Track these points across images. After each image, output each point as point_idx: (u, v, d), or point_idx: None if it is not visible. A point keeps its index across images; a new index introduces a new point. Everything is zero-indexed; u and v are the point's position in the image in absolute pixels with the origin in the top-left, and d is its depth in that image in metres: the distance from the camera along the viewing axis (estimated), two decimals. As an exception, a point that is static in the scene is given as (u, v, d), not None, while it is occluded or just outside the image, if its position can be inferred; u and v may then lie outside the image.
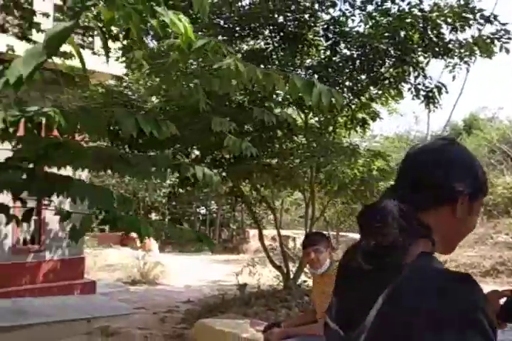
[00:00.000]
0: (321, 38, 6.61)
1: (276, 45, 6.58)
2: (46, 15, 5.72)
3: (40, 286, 8.69)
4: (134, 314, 7.78)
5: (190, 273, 12.33)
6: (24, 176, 2.52)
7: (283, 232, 10.20)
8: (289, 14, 6.19)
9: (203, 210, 24.92)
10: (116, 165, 2.72)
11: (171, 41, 2.14)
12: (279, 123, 5.31)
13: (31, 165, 2.61)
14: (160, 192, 20.26)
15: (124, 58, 6.01)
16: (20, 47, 6.10)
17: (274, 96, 6.77)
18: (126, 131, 2.34)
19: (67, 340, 6.18)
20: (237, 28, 6.26)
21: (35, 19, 5.98)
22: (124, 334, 6.38)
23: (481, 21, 6.18)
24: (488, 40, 6.16)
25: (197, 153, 7.89)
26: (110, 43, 6.41)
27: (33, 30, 6.00)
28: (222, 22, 6.29)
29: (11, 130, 2.16)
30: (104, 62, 5.99)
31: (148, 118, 2.35)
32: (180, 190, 10.30)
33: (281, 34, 6.45)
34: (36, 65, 1.71)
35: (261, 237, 8.25)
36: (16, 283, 8.48)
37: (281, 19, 6.33)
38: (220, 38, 5.91)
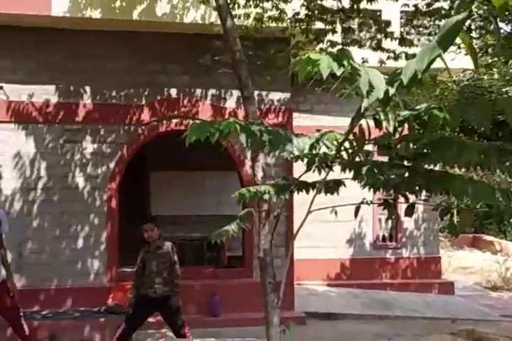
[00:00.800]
0: None
1: None
2: (411, 24, 5.93)
3: (399, 282, 9.11)
4: (501, 321, 7.21)
5: None
6: (406, 174, 2.67)
7: None
8: None
9: None
10: (497, 157, 2.54)
11: None
12: None
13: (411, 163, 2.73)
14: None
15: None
16: (374, 58, 6.61)
17: None
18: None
19: (433, 337, 6.22)
20: None
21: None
22: (492, 341, 5.98)
23: None
24: None
25: None
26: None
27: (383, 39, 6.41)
28: None
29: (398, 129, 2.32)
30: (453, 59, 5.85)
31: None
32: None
33: None
34: (429, 61, 1.77)
35: None
36: (378, 276, 9.15)
37: None
38: None
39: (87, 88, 6.58)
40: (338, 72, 1.76)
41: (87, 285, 6.43)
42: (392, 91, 1.98)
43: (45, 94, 6.49)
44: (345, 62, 1.78)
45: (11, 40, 6.41)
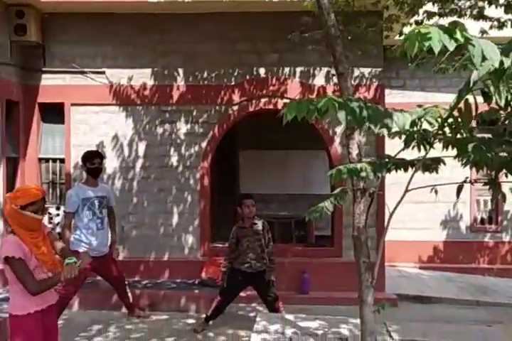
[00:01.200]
0: None
1: None
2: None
3: (498, 267, 8.61)
4: None
5: None
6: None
7: None
8: None
9: None
10: None
11: None
12: None
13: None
14: None
15: None
16: (475, 28, 6.13)
17: None
18: None
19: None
20: None
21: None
22: None
23: None
24: None
25: None
26: None
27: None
28: None
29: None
30: None
31: None
32: None
33: None
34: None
35: None
36: (475, 261, 8.70)
37: None
38: None
39: (180, 70, 6.81)
40: (451, 46, 1.64)
41: (182, 259, 6.79)
42: (507, 62, 1.83)
43: (143, 77, 6.81)
44: (457, 35, 1.66)
45: (111, 27, 6.77)
